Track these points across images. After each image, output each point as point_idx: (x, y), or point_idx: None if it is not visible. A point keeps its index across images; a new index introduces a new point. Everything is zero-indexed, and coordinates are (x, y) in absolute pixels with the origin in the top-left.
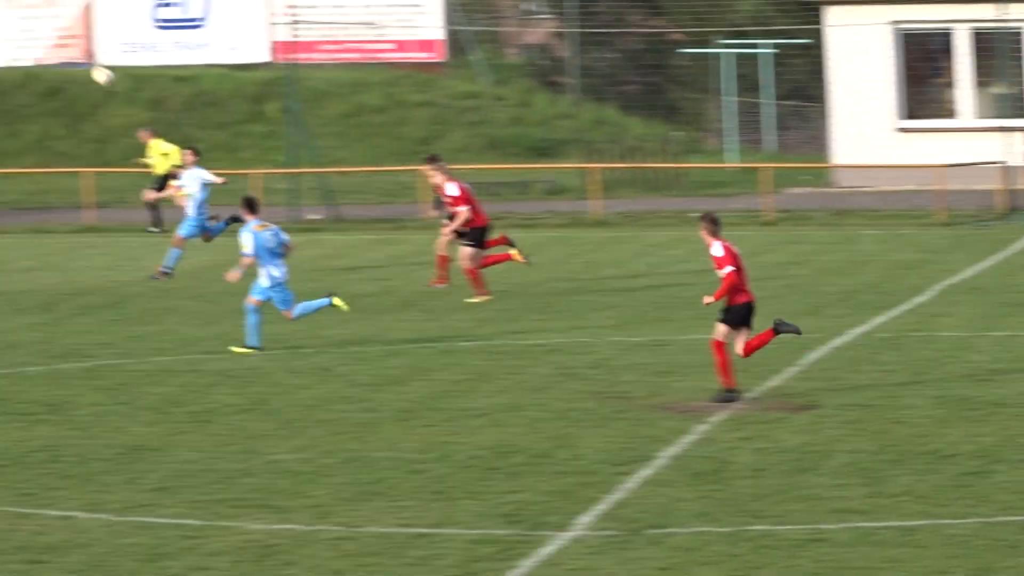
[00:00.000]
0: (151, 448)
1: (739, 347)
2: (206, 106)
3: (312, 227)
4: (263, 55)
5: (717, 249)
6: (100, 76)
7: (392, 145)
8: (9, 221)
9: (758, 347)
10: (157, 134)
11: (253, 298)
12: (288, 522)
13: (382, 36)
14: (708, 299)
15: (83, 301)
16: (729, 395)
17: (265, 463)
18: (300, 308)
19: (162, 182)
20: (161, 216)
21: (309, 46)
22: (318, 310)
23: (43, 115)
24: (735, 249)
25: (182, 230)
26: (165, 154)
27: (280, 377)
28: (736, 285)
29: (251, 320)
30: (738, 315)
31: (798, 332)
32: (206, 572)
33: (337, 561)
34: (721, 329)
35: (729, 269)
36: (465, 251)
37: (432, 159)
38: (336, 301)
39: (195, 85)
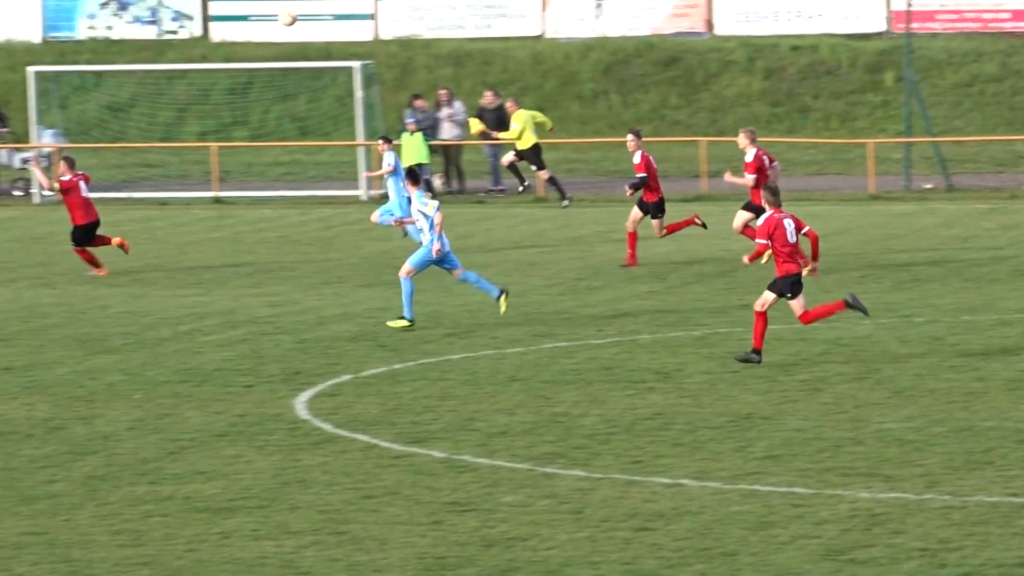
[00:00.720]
0: (761, 416)
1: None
2: (822, 75)
3: (925, 196)
4: (880, 24)
5: None
6: (285, 19)
7: (1007, 115)
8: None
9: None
10: (521, 104)
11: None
12: (896, 491)
13: (999, 5)
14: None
15: (697, 270)
16: None
17: (874, 432)
18: (473, 277)
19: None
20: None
21: (926, 15)
22: (482, 290)
23: (660, 84)
24: None
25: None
26: (540, 123)
27: (891, 346)
28: None
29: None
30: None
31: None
32: (814, 540)
33: (945, 530)
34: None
35: None
36: None
37: None
38: (502, 301)
39: (811, 54)
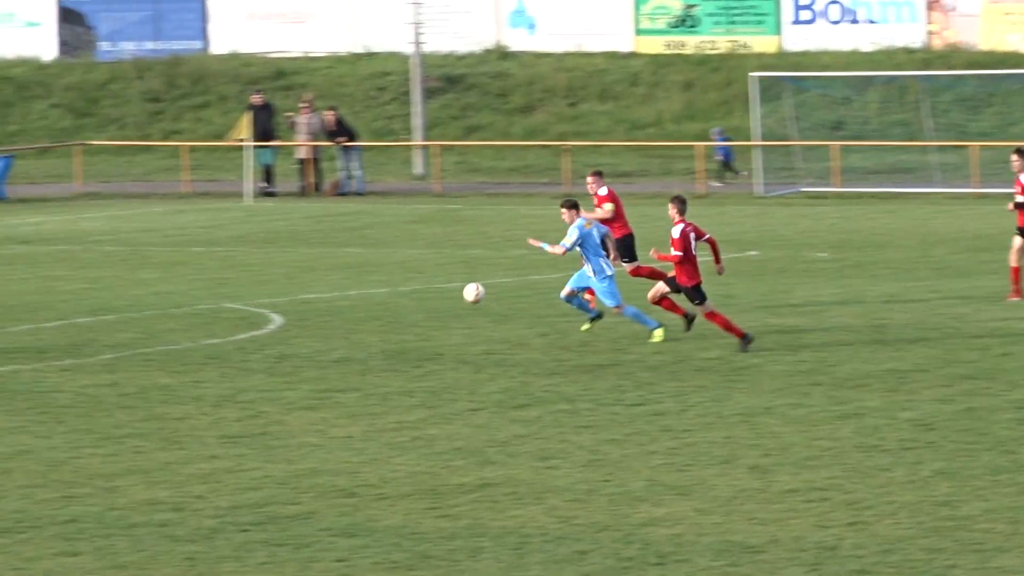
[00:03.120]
0: None
1: None
2: None
3: None
4: None
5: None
6: (469, 294)
7: None
8: None
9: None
10: None
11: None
12: None
13: None
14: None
15: None
16: None
17: None
18: (631, 313)
19: None
20: None
21: None
22: (640, 323)
23: None
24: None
25: None
26: None
27: None
28: None
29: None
30: None
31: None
32: None
33: None
34: None
35: None
36: None
37: None
38: (657, 334)
39: None
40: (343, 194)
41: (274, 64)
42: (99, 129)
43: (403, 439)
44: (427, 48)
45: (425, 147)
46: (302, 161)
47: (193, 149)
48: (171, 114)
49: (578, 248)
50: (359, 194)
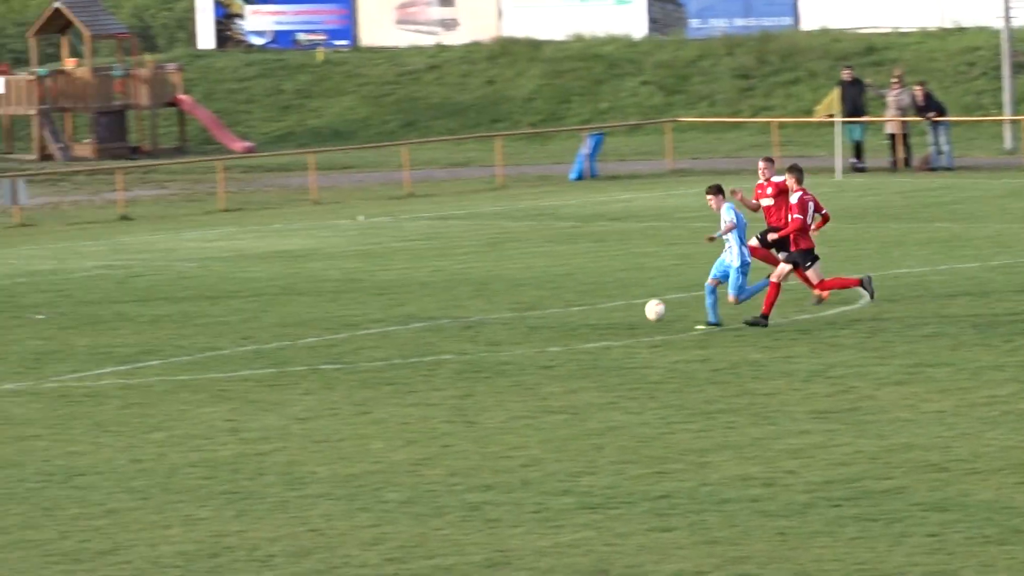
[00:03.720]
0: None
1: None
2: None
3: None
4: None
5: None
6: (651, 312)
7: None
8: None
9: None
10: None
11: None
12: None
13: None
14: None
15: None
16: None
17: None
18: (745, 292)
19: None
20: None
21: None
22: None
23: None
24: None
25: None
26: None
27: None
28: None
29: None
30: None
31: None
32: None
33: None
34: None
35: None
36: None
37: None
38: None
39: None
40: (932, 169)
41: (864, 39)
42: (689, 106)
43: (994, 413)
44: (1017, 23)
45: (1015, 122)
46: (892, 136)
47: (783, 125)
48: (761, 90)
49: (731, 235)
50: (948, 169)
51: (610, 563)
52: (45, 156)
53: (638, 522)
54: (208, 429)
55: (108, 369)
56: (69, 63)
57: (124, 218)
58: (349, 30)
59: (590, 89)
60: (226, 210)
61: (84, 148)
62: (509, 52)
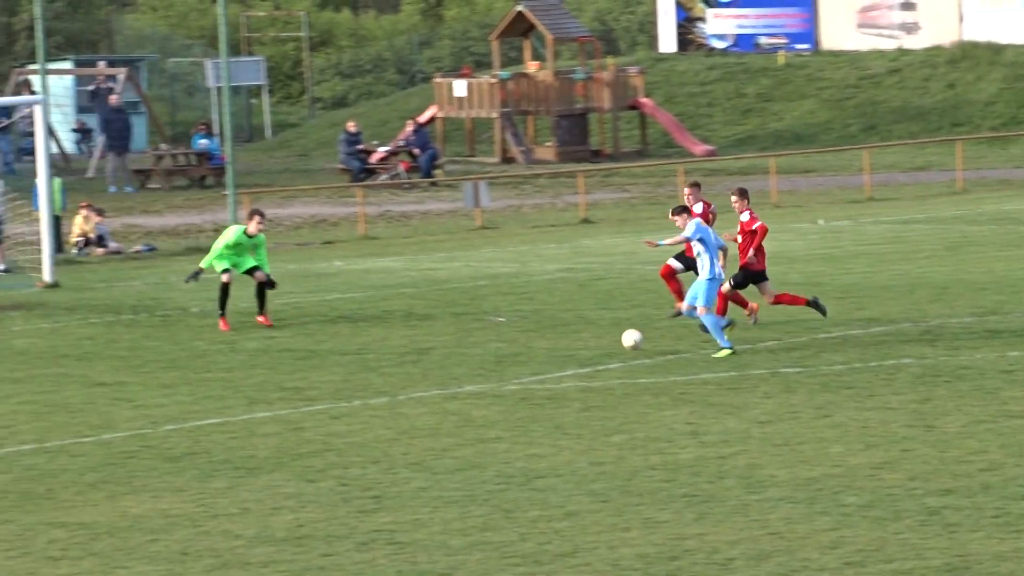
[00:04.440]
0: None
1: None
2: None
3: None
4: None
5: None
6: (628, 340)
7: None
8: None
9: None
10: None
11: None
12: None
13: None
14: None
15: None
16: None
17: None
18: (710, 321)
19: None
20: None
21: None
22: (712, 332)
23: None
24: None
25: None
26: None
27: None
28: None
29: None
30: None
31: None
32: None
33: None
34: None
35: None
36: None
37: None
38: (724, 353)
39: None
40: None
41: None
42: None
43: None
44: None
45: None
46: None
47: None
48: None
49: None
50: None
51: None
52: (507, 159)
53: None
54: (668, 432)
55: (569, 372)
56: (531, 66)
57: (585, 221)
58: (810, 33)
59: None
60: None
61: (546, 151)
62: (970, 56)
